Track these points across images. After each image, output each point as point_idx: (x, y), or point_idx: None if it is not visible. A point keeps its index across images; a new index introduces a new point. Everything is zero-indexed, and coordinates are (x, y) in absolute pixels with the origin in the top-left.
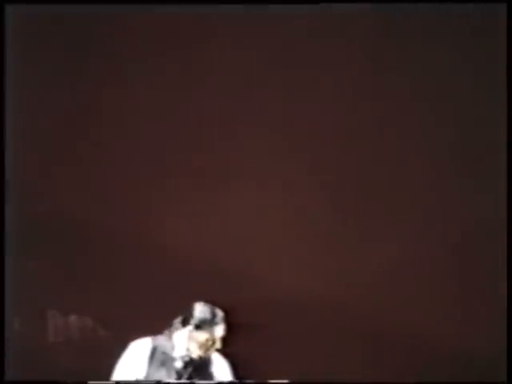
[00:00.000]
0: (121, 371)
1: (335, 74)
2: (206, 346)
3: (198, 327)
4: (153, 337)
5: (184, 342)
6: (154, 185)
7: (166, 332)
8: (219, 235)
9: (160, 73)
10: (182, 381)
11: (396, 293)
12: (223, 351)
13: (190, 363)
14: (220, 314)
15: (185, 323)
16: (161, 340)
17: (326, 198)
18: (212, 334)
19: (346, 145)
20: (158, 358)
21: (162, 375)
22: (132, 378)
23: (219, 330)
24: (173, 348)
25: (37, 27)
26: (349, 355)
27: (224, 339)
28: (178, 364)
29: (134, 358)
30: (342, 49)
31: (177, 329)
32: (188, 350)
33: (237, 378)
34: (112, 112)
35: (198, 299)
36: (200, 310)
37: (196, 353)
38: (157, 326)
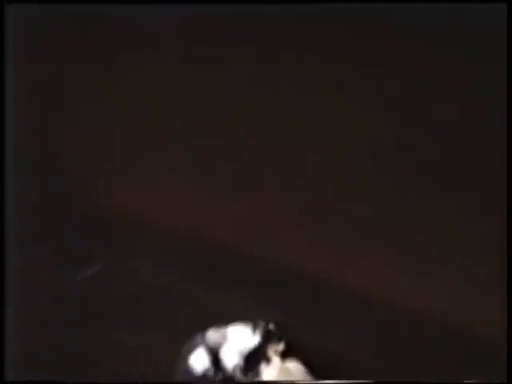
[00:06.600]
0: None
1: (333, 74)
2: None
3: None
4: None
5: None
6: (158, 161)
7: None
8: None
9: (162, 70)
10: None
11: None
12: None
13: None
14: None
15: None
16: None
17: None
18: None
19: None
20: None
21: None
22: None
23: None
24: None
25: (37, 27)
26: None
27: None
28: None
29: None
30: (341, 49)
31: None
32: None
33: None
34: (113, 111)
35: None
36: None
37: None
38: (163, 323)
